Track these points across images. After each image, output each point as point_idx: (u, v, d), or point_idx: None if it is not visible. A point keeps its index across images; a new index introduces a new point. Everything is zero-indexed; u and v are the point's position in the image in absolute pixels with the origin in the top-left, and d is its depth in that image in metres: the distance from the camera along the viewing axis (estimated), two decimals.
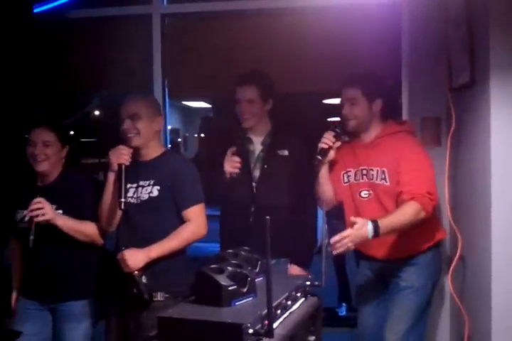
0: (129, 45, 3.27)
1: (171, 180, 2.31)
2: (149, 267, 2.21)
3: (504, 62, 2.12)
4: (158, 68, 3.24)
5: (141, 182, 2.34)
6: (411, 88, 2.96)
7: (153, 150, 2.38)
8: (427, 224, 2.35)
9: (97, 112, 7.47)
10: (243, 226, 2.56)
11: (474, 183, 2.36)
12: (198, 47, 3.29)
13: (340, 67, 3.11)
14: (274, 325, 1.44)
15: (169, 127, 3.51)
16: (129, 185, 2.30)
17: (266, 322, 1.44)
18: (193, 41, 3.29)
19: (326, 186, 2.52)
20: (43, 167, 2.41)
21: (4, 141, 3.30)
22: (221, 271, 1.58)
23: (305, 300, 1.76)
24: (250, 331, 1.38)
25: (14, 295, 2.54)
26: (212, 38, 3.27)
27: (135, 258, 2.18)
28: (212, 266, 1.62)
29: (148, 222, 2.30)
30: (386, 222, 2.22)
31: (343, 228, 2.61)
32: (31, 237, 2.23)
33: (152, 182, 2.32)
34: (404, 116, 2.98)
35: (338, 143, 2.47)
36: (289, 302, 1.65)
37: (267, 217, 1.38)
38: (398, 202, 2.33)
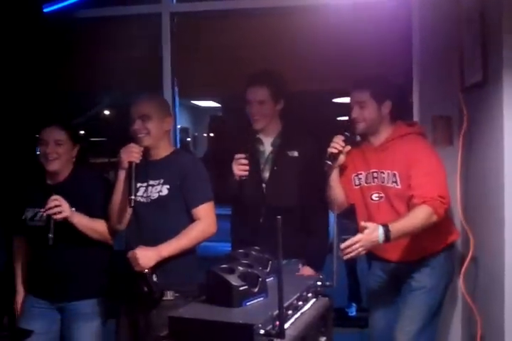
0: (138, 45, 3.28)
1: (181, 178, 2.31)
2: (160, 266, 2.22)
3: None
4: (167, 67, 3.24)
5: (151, 182, 2.35)
6: (422, 87, 2.94)
7: (162, 150, 2.39)
8: (440, 226, 2.32)
9: (106, 112, 7.49)
10: (253, 227, 2.55)
11: (487, 183, 2.34)
12: (207, 46, 3.29)
13: (350, 66, 3.10)
14: (286, 326, 1.42)
15: (178, 126, 3.50)
16: (138, 184, 2.31)
17: (277, 322, 1.42)
18: (202, 40, 3.29)
19: (336, 189, 2.51)
20: (54, 166, 2.41)
21: (13, 140, 3.32)
22: (232, 271, 1.57)
23: (316, 300, 1.75)
24: (261, 332, 1.37)
25: (19, 293, 2.53)
26: (221, 37, 3.27)
27: (146, 256, 2.18)
28: (223, 265, 1.61)
29: (158, 221, 2.30)
30: (397, 227, 2.19)
31: (354, 228, 2.60)
32: (51, 235, 2.25)
33: (162, 181, 2.33)
34: (416, 116, 2.96)
35: (348, 147, 2.44)
36: (300, 303, 1.63)
37: (278, 217, 1.37)
38: (410, 206, 2.30)
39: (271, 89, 2.59)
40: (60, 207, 2.27)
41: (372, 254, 2.57)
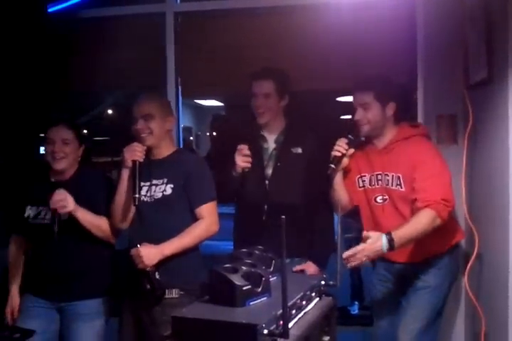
0: (142, 44, 3.28)
1: (184, 178, 2.32)
2: (163, 264, 2.23)
3: None
4: (171, 67, 3.23)
5: (154, 181, 2.35)
6: (426, 85, 2.92)
7: (165, 149, 2.40)
8: (445, 227, 2.29)
9: (110, 111, 7.50)
10: (256, 225, 2.55)
11: (492, 182, 2.33)
12: (210, 45, 3.27)
13: (354, 65, 3.08)
14: (289, 326, 1.42)
15: (182, 126, 3.50)
16: (142, 184, 2.31)
17: (281, 322, 1.42)
18: (206, 39, 3.28)
19: (340, 192, 2.49)
20: (61, 165, 2.41)
21: (14, 139, 3.33)
22: (235, 271, 1.57)
23: (320, 300, 1.75)
24: (265, 331, 1.36)
25: (14, 293, 2.51)
26: (225, 36, 3.26)
27: (150, 254, 2.19)
28: (227, 265, 1.61)
29: (161, 220, 2.30)
30: (400, 234, 2.17)
31: (357, 227, 2.60)
32: (55, 229, 2.25)
33: (165, 180, 2.33)
34: (420, 113, 2.95)
35: (352, 150, 2.41)
36: (304, 302, 1.63)
37: (283, 217, 1.36)
38: (413, 210, 2.29)
39: (276, 84, 2.58)
40: (64, 201, 2.27)
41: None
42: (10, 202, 2.57)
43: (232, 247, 2.69)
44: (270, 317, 1.42)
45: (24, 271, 2.53)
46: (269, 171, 2.61)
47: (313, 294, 1.72)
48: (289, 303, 1.49)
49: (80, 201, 2.34)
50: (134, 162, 2.26)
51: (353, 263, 2.11)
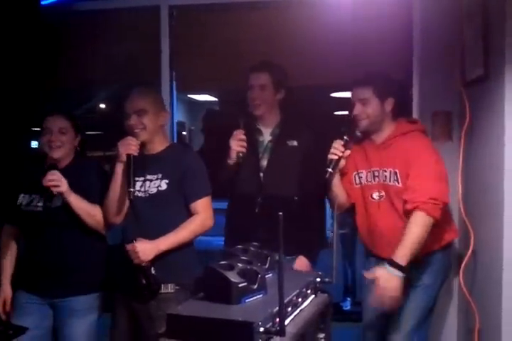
0: (136, 38, 3.25)
1: (179, 173, 2.31)
2: (159, 259, 2.23)
3: None
4: (166, 61, 3.21)
5: (149, 176, 2.34)
6: (422, 82, 2.92)
7: (158, 144, 2.39)
8: (437, 226, 2.29)
9: (102, 105, 7.44)
10: (249, 217, 2.54)
11: (487, 179, 2.33)
12: (205, 39, 3.25)
13: (350, 61, 3.07)
14: (285, 323, 1.41)
15: (176, 120, 3.48)
16: (136, 179, 2.29)
17: (277, 320, 1.41)
18: (201, 34, 3.25)
19: (338, 191, 2.49)
20: (58, 153, 2.41)
21: (7, 133, 3.30)
22: (231, 268, 1.56)
23: (315, 297, 1.74)
24: (261, 329, 1.35)
25: (5, 284, 2.48)
26: (220, 31, 3.24)
27: (146, 250, 2.19)
28: (222, 262, 1.60)
29: (156, 216, 2.30)
30: (401, 253, 2.18)
31: (351, 221, 2.60)
32: (48, 203, 2.28)
33: (160, 175, 2.32)
34: (415, 110, 2.94)
35: (348, 152, 2.41)
36: (300, 300, 1.62)
37: (280, 213, 1.34)
38: (404, 211, 2.29)
39: (272, 76, 2.59)
40: (58, 181, 2.27)
41: (369, 251, 2.56)
42: (2, 191, 2.56)
43: (224, 239, 2.69)
44: (266, 314, 1.41)
45: (17, 266, 2.51)
46: (264, 163, 2.60)
47: (309, 291, 1.71)
48: (285, 300, 1.48)
49: (74, 190, 2.33)
50: (128, 156, 2.25)
51: (388, 305, 2.17)
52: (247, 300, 1.53)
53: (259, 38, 3.19)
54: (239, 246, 1.80)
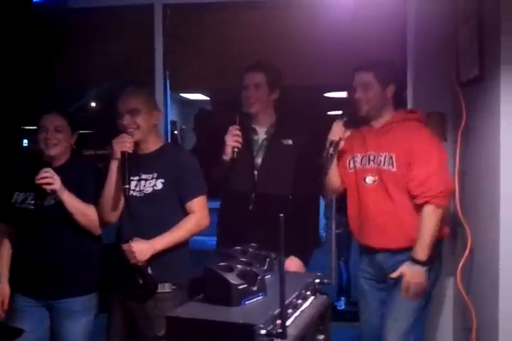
0: (130, 36, 3.23)
1: (175, 172, 2.31)
2: (155, 259, 2.23)
3: None
4: (159, 59, 3.20)
5: (144, 176, 2.33)
6: (416, 83, 2.93)
7: (152, 144, 2.38)
8: None
9: (93, 104, 7.39)
10: (242, 215, 2.54)
11: (483, 179, 2.34)
12: (200, 38, 3.24)
13: (344, 61, 3.06)
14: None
15: (170, 119, 3.46)
16: (130, 177, 2.28)
17: (278, 322, 1.40)
18: (194, 32, 3.24)
19: (333, 174, 2.50)
20: (54, 151, 2.40)
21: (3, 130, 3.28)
22: (230, 269, 1.55)
23: (315, 298, 1.73)
24: (263, 332, 1.34)
25: (3, 282, 2.45)
26: (214, 30, 3.23)
27: (142, 249, 2.19)
28: (221, 263, 1.58)
29: (152, 215, 2.29)
30: (420, 248, 2.28)
31: (345, 221, 2.60)
32: (38, 202, 2.29)
33: (155, 175, 2.32)
34: None
35: (348, 133, 2.43)
36: (300, 301, 1.61)
37: (281, 215, 1.34)
38: (413, 205, 2.34)
39: (267, 76, 2.60)
40: (50, 178, 2.26)
41: (362, 247, 2.56)
42: None
43: (216, 236, 2.68)
44: (267, 316, 1.40)
45: (12, 269, 2.48)
46: (259, 161, 2.60)
47: (309, 292, 1.70)
48: (286, 302, 1.47)
49: (69, 189, 2.32)
50: (123, 153, 2.24)
51: (412, 298, 2.31)
52: (247, 302, 1.52)
53: (254, 37, 3.19)
54: (237, 248, 1.78)
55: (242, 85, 2.61)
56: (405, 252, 2.37)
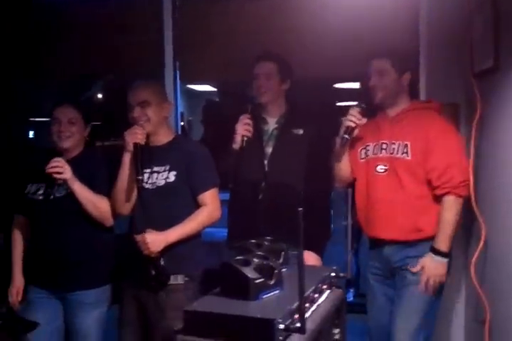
0: (139, 28, 3.20)
1: (187, 164, 2.31)
2: (168, 250, 2.23)
3: None
4: (169, 51, 3.18)
5: (156, 168, 2.33)
6: (428, 74, 2.89)
7: (163, 136, 2.38)
8: (435, 210, 2.33)
9: (99, 95, 7.36)
10: (252, 204, 2.53)
11: (498, 171, 2.31)
12: (209, 30, 3.22)
13: (355, 52, 3.03)
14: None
15: (180, 111, 3.44)
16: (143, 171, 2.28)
17: (296, 316, 1.39)
18: (204, 24, 3.21)
19: (344, 162, 2.49)
20: (67, 143, 2.40)
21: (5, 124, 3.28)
22: (247, 263, 1.53)
23: (330, 292, 1.72)
24: (281, 326, 1.33)
25: (17, 273, 2.47)
26: (223, 21, 3.21)
27: (156, 241, 2.19)
28: (238, 257, 1.57)
29: (164, 207, 2.29)
30: (441, 239, 2.29)
31: (352, 214, 2.58)
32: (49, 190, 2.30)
33: (168, 167, 2.31)
34: None
35: (364, 120, 2.39)
36: (316, 295, 1.60)
37: (300, 209, 1.32)
38: (433, 196, 2.33)
39: (278, 65, 2.59)
40: (61, 168, 2.26)
41: (369, 240, 2.55)
42: (11, 183, 2.56)
43: (228, 226, 2.68)
44: (285, 311, 1.39)
45: (25, 260, 2.48)
46: (269, 150, 2.59)
47: (325, 286, 1.69)
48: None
49: (82, 181, 2.32)
50: (135, 145, 2.24)
51: (429, 291, 2.32)
52: (264, 296, 1.51)
53: (263, 28, 3.16)
54: (252, 241, 1.77)
55: (252, 75, 2.60)
56: (413, 246, 2.35)
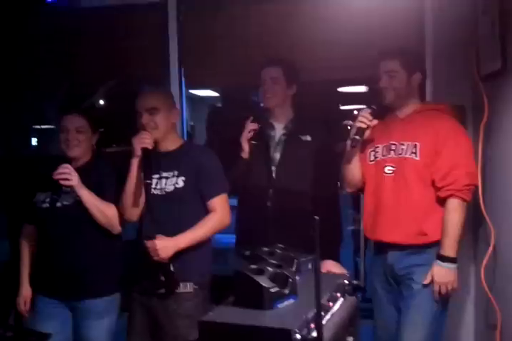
0: (144, 34, 3.20)
1: (196, 170, 2.30)
2: (178, 257, 2.22)
3: None
4: (174, 57, 3.16)
5: (164, 174, 2.32)
6: (435, 76, 2.87)
7: (171, 142, 2.38)
8: (439, 213, 2.29)
9: (101, 102, 7.36)
10: (260, 211, 2.53)
11: (507, 175, 2.29)
12: (214, 34, 3.20)
13: (359, 55, 3.02)
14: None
15: (185, 116, 3.44)
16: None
17: (312, 325, 1.38)
18: (208, 29, 3.20)
19: (355, 165, 2.46)
20: (75, 152, 2.40)
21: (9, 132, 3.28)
22: (261, 272, 1.52)
23: (344, 300, 1.70)
24: (298, 336, 1.32)
25: (24, 283, 2.46)
26: (229, 25, 3.18)
27: (166, 247, 2.19)
28: (252, 266, 1.56)
29: (174, 214, 2.28)
30: (447, 244, 2.25)
31: (359, 218, 2.56)
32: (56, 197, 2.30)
33: (176, 173, 2.31)
34: None
35: (375, 122, 2.37)
36: (331, 303, 1.59)
37: (316, 217, 1.31)
38: (436, 198, 2.29)
39: (284, 71, 2.59)
40: (68, 174, 2.26)
41: (374, 246, 2.53)
42: (20, 192, 2.56)
43: (235, 233, 2.68)
44: (301, 320, 1.38)
45: (33, 269, 2.47)
46: (277, 157, 2.59)
47: (338, 294, 1.68)
48: None
49: (90, 189, 2.31)
50: (143, 149, 2.24)
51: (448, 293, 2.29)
52: (279, 305, 1.50)
53: (268, 32, 3.14)
54: (264, 248, 1.76)
55: (259, 81, 2.60)
56: (418, 253, 2.31)
